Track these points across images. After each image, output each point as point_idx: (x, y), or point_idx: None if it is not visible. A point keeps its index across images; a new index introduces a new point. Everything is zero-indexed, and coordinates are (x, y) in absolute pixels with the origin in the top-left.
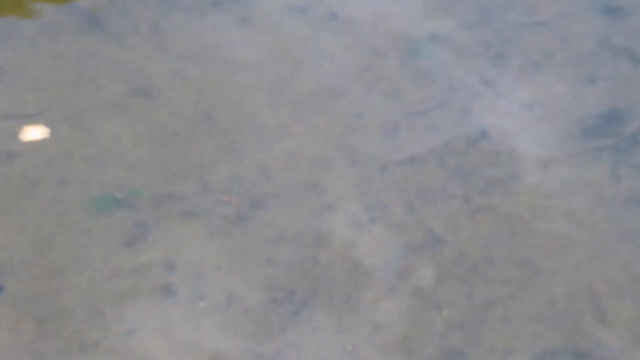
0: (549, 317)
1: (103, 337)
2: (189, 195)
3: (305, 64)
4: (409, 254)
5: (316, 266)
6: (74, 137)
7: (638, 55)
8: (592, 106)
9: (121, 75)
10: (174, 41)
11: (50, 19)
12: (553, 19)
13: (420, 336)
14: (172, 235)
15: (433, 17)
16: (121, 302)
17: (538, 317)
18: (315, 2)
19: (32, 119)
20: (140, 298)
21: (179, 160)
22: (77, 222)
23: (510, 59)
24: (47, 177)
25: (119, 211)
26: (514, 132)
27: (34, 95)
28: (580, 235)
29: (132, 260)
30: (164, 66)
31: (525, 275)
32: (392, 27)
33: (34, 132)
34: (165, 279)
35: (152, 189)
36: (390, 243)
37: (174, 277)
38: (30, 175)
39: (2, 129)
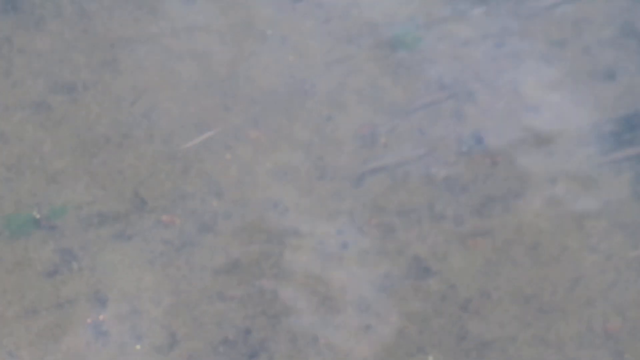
0: None
1: None
2: (122, 214)
3: (264, 55)
4: (389, 287)
5: (276, 301)
6: None
7: None
8: (611, 108)
9: (40, 67)
10: (104, 25)
11: None
12: (565, 2)
13: None
14: (103, 263)
15: (417, 0)
16: (41, 344)
17: None
18: None
19: None
20: (63, 339)
21: (111, 172)
22: None
23: (512, 49)
24: None
25: (38, 234)
26: (515, 139)
27: None
28: (595, 265)
29: (54, 293)
30: (92, 56)
31: (528, 313)
32: (368, 11)
33: None
34: (94, 316)
35: (78, 207)
36: (366, 273)
37: (104, 314)
38: None
39: None
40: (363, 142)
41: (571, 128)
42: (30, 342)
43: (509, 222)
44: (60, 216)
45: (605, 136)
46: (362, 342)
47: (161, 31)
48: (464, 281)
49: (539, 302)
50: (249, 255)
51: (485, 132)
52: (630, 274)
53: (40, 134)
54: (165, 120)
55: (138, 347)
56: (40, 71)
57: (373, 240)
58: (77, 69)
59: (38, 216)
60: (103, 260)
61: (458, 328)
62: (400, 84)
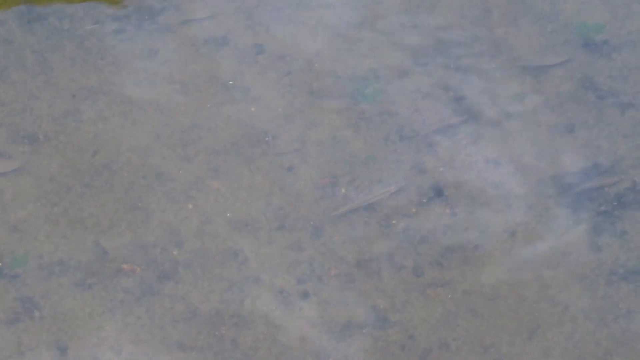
0: None
1: None
2: (83, 263)
3: (225, 106)
4: (348, 337)
5: (236, 350)
6: None
7: (626, 99)
8: (570, 161)
9: (2, 117)
10: (67, 76)
11: None
12: (524, 53)
13: None
14: (64, 311)
15: (379, 50)
16: None
17: None
18: (239, 32)
19: None
20: None
21: (72, 221)
22: None
23: (472, 102)
24: None
25: (0, 282)
26: (475, 191)
27: None
28: (552, 316)
29: (15, 341)
30: (54, 106)
31: None
32: (330, 63)
33: None
34: None
35: (39, 255)
36: (326, 323)
37: None
38: None
39: None
40: (323, 193)
41: (530, 180)
42: None
43: (468, 272)
44: (21, 265)
45: (565, 188)
46: None
47: (123, 81)
48: (423, 331)
49: (497, 352)
50: (209, 304)
51: (445, 183)
52: (588, 325)
53: (2, 183)
54: (126, 170)
55: None
56: (1, 121)
57: (333, 290)
58: (39, 119)
59: (0, 264)
60: (64, 308)
61: None
62: (360, 135)
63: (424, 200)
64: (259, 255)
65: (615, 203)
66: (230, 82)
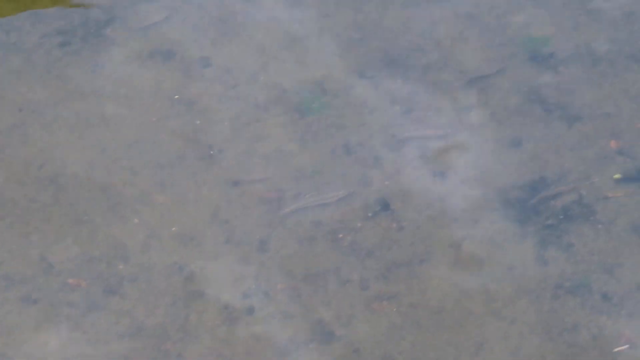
0: None
1: None
2: (28, 277)
3: (171, 120)
4: (294, 350)
5: None
6: None
7: (572, 112)
8: (517, 174)
9: None
10: (13, 89)
11: None
12: (473, 68)
13: None
14: (8, 325)
15: (325, 63)
16: None
17: None
18: (185, 45)
19: None
20: None
21: (17, 235)
22: None
23: (419, 116)
24: None
25: None
26: (421, 204)
27: None
28: (498, 330)
29: None
30: (0, 120)
31: None
32: (276, 77)
33: None
34: None
35: None
36: (272, 337)
37: None
38: None
39: None
40: (269, 207)
41: (476, 194)
42: None
43: (414, 286)
44: None
45: (511, 202)
46: None
47: (69, 95)
48: (368, 345)
49: None
50: (154, 318)
51: (391, 197)
52: (534, 340)
53: None
54: (72, 184)
55: None
56: None
57: (279, 305)
58: None
59: None
60: (9, 323)
61: None
62: (307, 149)
63: (370, 215)
64: (204, 269)
65: (562, 216)
66: (176, 96)
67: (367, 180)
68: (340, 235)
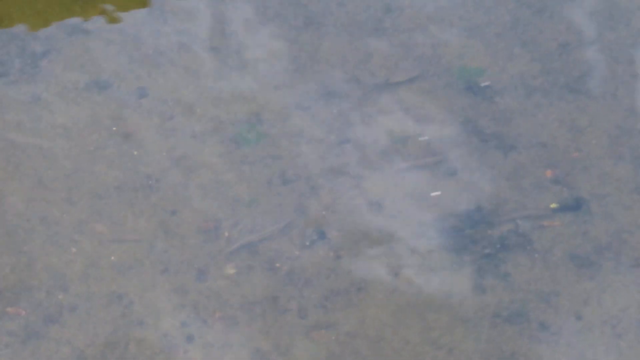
0: None
1: None
2: None
3: (108, 150)
4: None
5: None
6: None
7: (508, 142)
8: (453, 204)
9: None
10: None
11: None
12: (407, 102)
13: None
14: None
15: (261, 93)
16: None
17: None
18: (121, 77)
19: None
20: None
21: None
22: None
23: (354, 146)
24: None
25: None
26: (358, 233)
27: None
28: (437, 359)
29: None
30: None
31: None
32: (212, 108)
33: None
34: None
35: None
36: None
37: None
38: None
39: None
40: (207, 237)
41: (413, 223)
42: None
43: (352, 315)
44: None
45: (447, 231)
46: None
47: (6, 125)
48: None
49: None
50: (94, 347)
51: (327, 226)
52: None
53: None
54: (10, 214)
55: None
56: None
57: (217, 333)
58: None
59: None
60: None
61: None
62: (244, 179)
63: (307, 244)
64: (143, 298)
65: (499, 246)
66: (114, 128)
67: (304, 208)
68: (278, 264)
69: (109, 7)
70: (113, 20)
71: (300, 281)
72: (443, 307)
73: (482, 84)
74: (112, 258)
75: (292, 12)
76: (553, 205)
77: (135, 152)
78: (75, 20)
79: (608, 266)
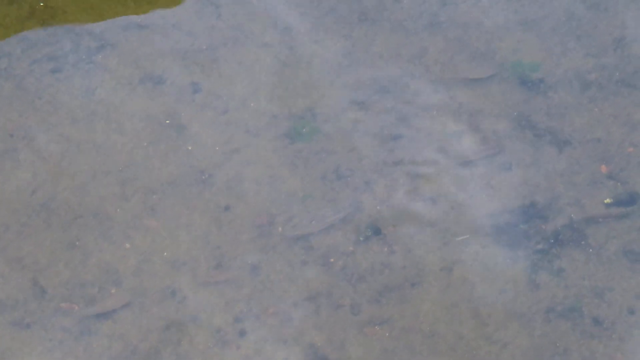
0: None
1: None
2: (21, 302)
3: (162, 145)
4: None
5: None
6: None
7: (562, 137)
8: (508, 199)
9: None
10: (3, 116)
11: None
12: (461, 96)
13: None
14: (2, 351)
15: (316, 89)
16: None
17: None
18: (175, 72)
19: None
20: None
21: (9, 260)
22: None
23: (408, 141)
24: None
25: None
26: (412, 230)
27: None
28: (490, 354)
29: None
30: None
31: None
32: (266, 103)
33: None
34: None
35: None
36: None
37: None
38: None
39: None
40: (260, 232)
41: (467, 218)
42: None
43: (406, 310)
44: None
45: (501, 227)
46: None
47: (60, 120)
48: None
49: None
50: (147, 343)
51: (382, 222)
52: None
53: None
54: (63, 209)
55: None
56: None
57: (270, 329)
58: None
59: None
60: (2, 347)
61: None
62: (297, 174)
63: (362, 239)
64: (196, 294)
65: (552, 241)
66: (167, 121)
67: (358, 204)
68: (332, 260)
69: (163, 2)
70: (167, 15)
71: (354, 276)
72: (497, 303)
73: (536, 79)
74: (165, 254)
75: (347, 7)
76: (607, 201)
77: (189, 147)
78: (129, 15)
79: None
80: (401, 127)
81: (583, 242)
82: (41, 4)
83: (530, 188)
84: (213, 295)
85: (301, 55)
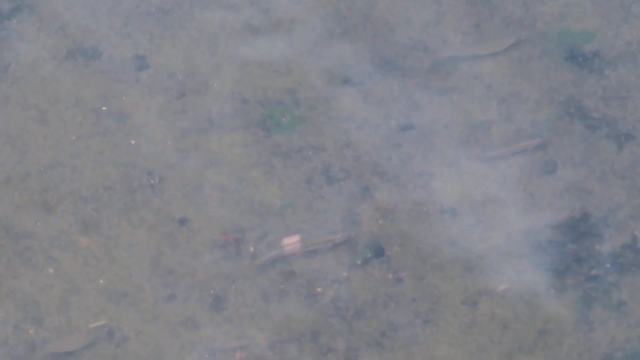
0: None
1: None
2: None
3: (96, 138)
4: None
5: None
6: None
7: (624, 129)
8: (551, 210)
9: None
10: None
11: None
12: (489, 70)
13: None
14: None
15: (298, 66)
16: None
17: None
18: (114, 42)
19: None
20: None
21: None
22: None
23: (421, 132)
24: None
25: None
26: (426, 250)
27: None
28: None
29: None
30: None
31: None
32: (233, 83)
33: None
34: None
35: None
36: None
37: None
38: None
39: None
40: (226, 253)
41: (498, 235)
42: None
43: (417, 356)
44: None
45: (544, 247)
46: None
47: None
48: None
49: None
50: None
51: (385, 240)
52: None
53: None
54: None
55: None
56: None
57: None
58: None
59: None
60: None
61: None
62: (274, 177)
63: (359, 262)
64: (141, 334)
65: (609, 265)
66: (104, 108)
67: (354, 216)
68: (319, 289)
69: None
70: None
71: (349, 312)
72: (536, 348)
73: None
74: (101, 281)
75: None
76: None
77: (133, 141)
78: None
79: None
80: (411, 114)
81: None
82: None
83: (581, 195)
84: (163, 337)
85: (279, 20)
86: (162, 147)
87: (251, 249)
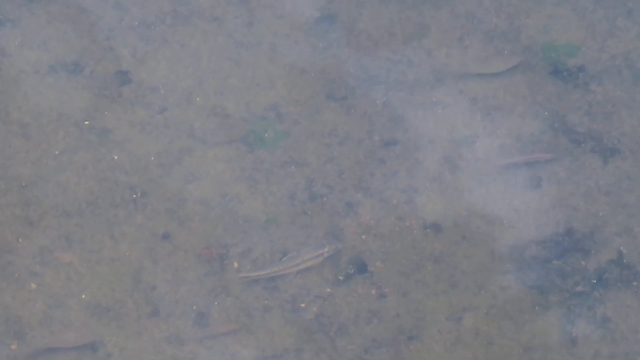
0: None
1: None
2: None
3: (79, 153)
4: None
5: None
6: None
7: (609, 144)
8: (535, 225)
9: None
10: None
11: None
12: (473, 84)
13: None
14: None
15: (282, 80)
16: None
17: None
18: (97, 57)
19: None
20: None
21: None
22: None
23: (407, 148)
24: None
25: None
26: (410, 265)
27: None
28: None
29: None
30: None
31: None
32: (216, 97)
33: None
34: None
35: None
36: None
37: None
38: None
39: None
40: (209, 268)
41: (482, 251)
42: None
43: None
44: None
45: (528, 263)
46: None
47: None
48: None
49: None
50: None
51: (369, 255)
52: None
53: None
54: None
55: None
56: None
57: None
58: None
59: None
60: None
61: None
62: (258, 192)
63: (342, 278)
64: (124, 350)
65: (595, 281)
66: (86, 122)
67: (337, 232)
68: (303, 305)
69: None
70: None
71: (332, 327)
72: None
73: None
74: (84, 296)
75: None
76: None
77: (115, 156)
78: None
79: None
80: (395, 129)
81: (635, 283)
82: None
83: (566, 211)
84: (147, 353)
85: (263, 34)
86: (145, 162)
87: (235, 265)
